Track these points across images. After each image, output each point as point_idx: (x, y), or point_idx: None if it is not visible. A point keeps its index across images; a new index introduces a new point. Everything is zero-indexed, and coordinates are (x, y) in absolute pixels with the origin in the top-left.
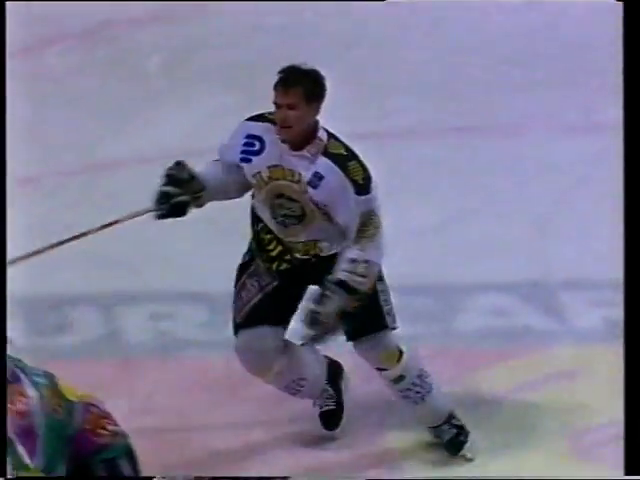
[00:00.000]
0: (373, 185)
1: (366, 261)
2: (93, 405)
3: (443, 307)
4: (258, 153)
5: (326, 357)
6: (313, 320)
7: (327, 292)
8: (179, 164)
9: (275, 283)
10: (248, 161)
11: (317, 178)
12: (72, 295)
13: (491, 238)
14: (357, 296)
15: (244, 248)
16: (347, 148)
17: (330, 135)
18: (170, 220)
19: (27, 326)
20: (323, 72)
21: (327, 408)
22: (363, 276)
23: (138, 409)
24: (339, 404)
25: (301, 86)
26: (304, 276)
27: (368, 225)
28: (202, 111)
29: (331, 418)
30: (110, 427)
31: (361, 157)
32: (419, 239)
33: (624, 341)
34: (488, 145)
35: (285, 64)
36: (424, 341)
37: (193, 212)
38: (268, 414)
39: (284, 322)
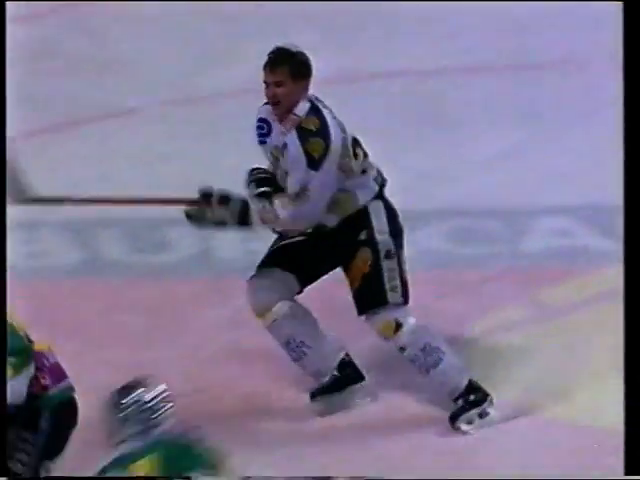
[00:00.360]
0: (326, 166)
1: (277, 216)
2: (37, 355)
3: (511, 229)
4: (268, 134)
5: (348, 356)
6: (200, 205)
7: (230, 201)
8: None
9: (296, 239)
10: (263, 143)
11: (284, 147)
12: (169, 217)
13: (555, 166)
14: (243, 226)
15: None
16: (320, 126)
17: (312, 111)
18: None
19: (129, 245)
20: (395, 12)
21: (323, 381)
22: (262, 220)
23: (229, 323)
24: (336, 387)
25: (287, 65)
26: (319, 242)
27: (301, 195)
28: None
29: (320, 389)
30: (43, 381)
31: (332, 138)
32: (489, 166)
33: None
34: (553, 80)
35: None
36: (494, 261)
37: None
38: (350, 327)
39: (297, 273)
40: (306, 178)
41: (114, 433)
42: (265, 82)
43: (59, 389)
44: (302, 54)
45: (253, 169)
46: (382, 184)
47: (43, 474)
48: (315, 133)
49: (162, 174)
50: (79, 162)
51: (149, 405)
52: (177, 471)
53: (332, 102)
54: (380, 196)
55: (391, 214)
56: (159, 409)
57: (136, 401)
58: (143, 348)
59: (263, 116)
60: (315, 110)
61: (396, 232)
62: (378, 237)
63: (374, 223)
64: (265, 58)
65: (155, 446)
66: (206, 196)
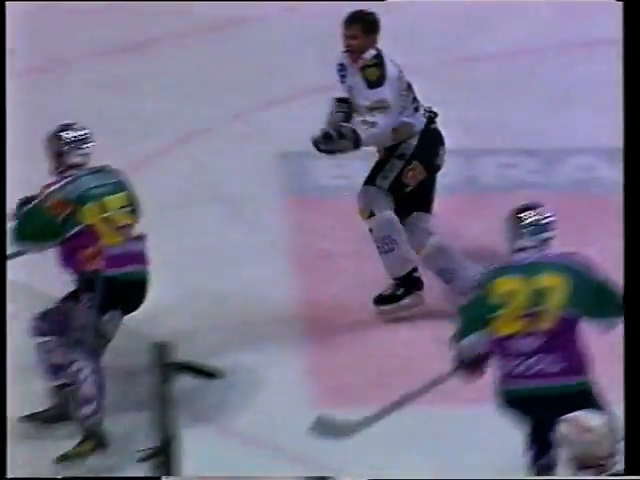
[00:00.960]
0: (387, 83)
1: (374, 124)
2: (95, 244)
3: None
4: (345, 76)
5: (416, 270)
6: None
7: (345, 134)
8: None
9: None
10: (343, 82)
11: (354, 83)
12: (367, 150)
13: None
14: (357, 148)
15: None
16: (377, 61)
17: (375, 55)
18: None
19: (336, 171)
20: None
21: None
22: (365, 135)
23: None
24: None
25: (360, 22)
26: None
27: (378, 107)
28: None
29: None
30: (98, 264)
31: (387, 69)
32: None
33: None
34: None
35: None
36: None
37: None
38: None
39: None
40: (374, 96)
41: (511, 242)
42: (343, 35)
43: (119, 271)
44: (373, 15)
45: (337, 100)
46: (431, 119)
47: (102, 330)
48: (372, 65)
49: None
50: None
51: (542, 223)
52: (586, 306)
53: (529, 66)
54: (426, 129)
55: (430, 142)
56: (549, 230)
57: (532, 220)
58: (366, 258)
59: (342, 61)
60: (377, 55)
61: (429, 156)
62: (403, 146)
63: (407, 141)
64: None
65: (564, 269)
66: (328, 135)
